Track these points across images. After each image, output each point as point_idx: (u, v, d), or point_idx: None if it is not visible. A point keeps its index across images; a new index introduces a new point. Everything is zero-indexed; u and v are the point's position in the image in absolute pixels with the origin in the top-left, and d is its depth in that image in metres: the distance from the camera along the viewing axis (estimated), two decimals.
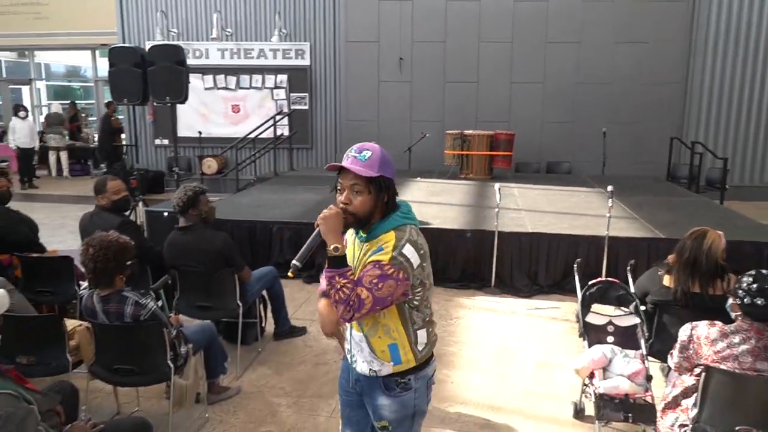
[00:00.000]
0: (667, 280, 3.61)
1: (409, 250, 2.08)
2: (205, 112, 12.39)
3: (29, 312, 3.85)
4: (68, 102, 16.22)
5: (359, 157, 2.15)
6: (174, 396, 3.29)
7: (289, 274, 2.19)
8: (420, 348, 2.20)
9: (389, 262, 2.04)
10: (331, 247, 2.10)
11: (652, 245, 5.82)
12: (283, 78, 12.12)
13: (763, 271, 2.80)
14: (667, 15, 10.68)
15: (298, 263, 2.16)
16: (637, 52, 10.79)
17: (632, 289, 3.86)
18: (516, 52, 11.05)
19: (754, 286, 2.74)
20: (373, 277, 2.03)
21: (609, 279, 3.85)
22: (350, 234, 2.30)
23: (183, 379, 3.35)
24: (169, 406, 3.33)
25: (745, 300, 2.76)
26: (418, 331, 2.19)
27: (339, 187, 2.19)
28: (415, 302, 2.16)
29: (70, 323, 3.54)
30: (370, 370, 2.22)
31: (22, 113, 12.60)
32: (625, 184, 8.80)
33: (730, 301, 2.95)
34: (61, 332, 3.31)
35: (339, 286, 2.04)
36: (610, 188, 5.50)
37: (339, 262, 2.09)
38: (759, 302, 2.73)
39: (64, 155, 14.04)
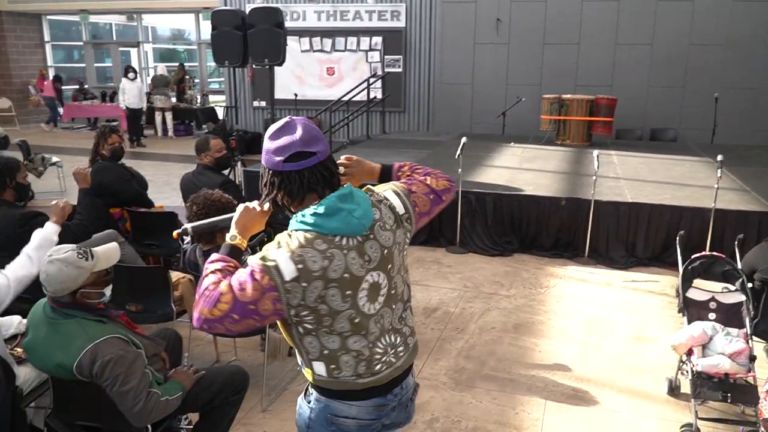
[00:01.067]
0: None
1: (282, 256, 1.61)
2: (301, 75, 12.61)
3: (138, 263, 4.13)
4: (176, 64, 16.96)
5: None
6: (269, 348, 3.45)
7: (174, 234, 2.04)
8: (318, 376, 1.76)
9: (260, 263, 1.61)
10: (230, 234, 1.82)
11: (764, 219, 5.44)
12: (377, 40, 12.09)
13: None
14: None
15: (190, 230, 2.07)
16: (756, 9, 9.90)
17: (739, 265, 3.63)
18: (623, 11, 10.42)
19: None
20: (241, 275, 1.62)
21: (714, 253, 3.64)
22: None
23: (277, 333, 3.50)
24: (264, 358, 3.49)
25: None
26: (313, 362, 1.75)
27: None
28: (307, 326, 1.69)
29: (174, 275, 3.76)
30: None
31: (131, 75, 13.30)
32: (737, 154, 8.22)
33: None
34: (166, 283, 3.53)
35: (210, 271, 1.69)
36: (719, 157, 5.16)
37: (232, 251, 1.79)
38: None
39: (169, 116, 14.76)
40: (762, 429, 2.93)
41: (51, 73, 17.23)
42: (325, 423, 1.81)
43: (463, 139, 6.16)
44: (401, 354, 1.85)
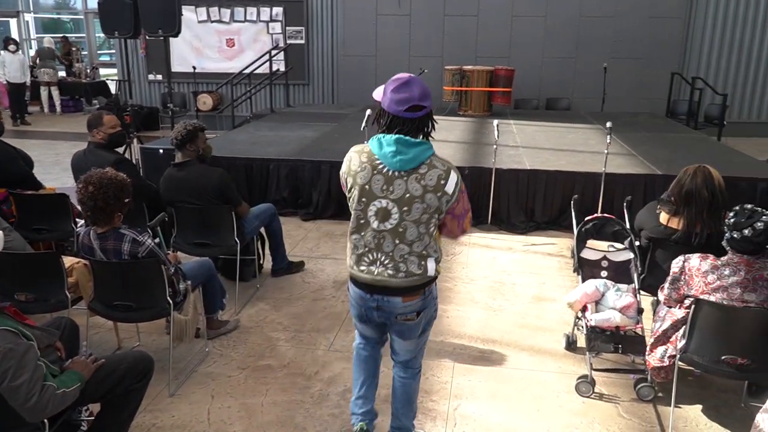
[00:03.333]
0: (664, 219, 3.60)
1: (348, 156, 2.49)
2: (199, 46, 12.12)
3: (27, 250, 3.87)
4: (60, 36, 15.81)
5: None
6: (174, 331, 3.35)
7: None
8: (348, 255, 2.56)
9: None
10: None
11: (649, 182, 5.82)
12: (278, 11, 11.79)
13: (747, 206, 2.82)
14: None
15: None
16: None
17: (628, 225, 3.88)
18: None
19: (733, 220, 2.80)
20: None
21: (605, 215, 3.87)
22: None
23: (182, 315, 3.41)
24: (169, 341, 3.40)
25: (733, 234, 2.80)
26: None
27: None
28: (350, 204, 2.48)
29: (68, 260, 3.56)
30: None
31: (12, 47, 12.30)
32: (624, 121, 8.73)
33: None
34: (59, 269, 3.33)
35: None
36: (608, 125, 5.44)
37: None
38: (736, 235, 2.77)
39: (55, 91, 13.80)
40: (650, 377, 3.18)
41: None
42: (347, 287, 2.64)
43: (368, 112, 6.15)
44: (380, 272, 2.42)
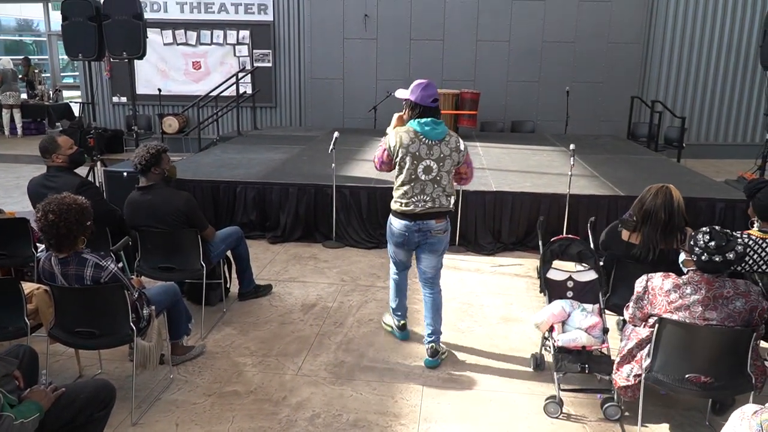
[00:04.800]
0: (625, 236, 3.70)
1: (390, 136, 3.71)
2: (165, 69, 12.04)
3: None
4: (20, 58, 15.53)
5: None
6: (137, 358, 3.27)
7: None
8: (393, 200, 3.79)
9: (383, 141, 3.76)
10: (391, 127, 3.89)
11: (612, 202, 5.94)
12: (245, 34, 11.80)
13: (717, 228, 2.89)
14: None
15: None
16: (600, 10, 10.80)
17: (592, 246, 3.95)
18: (482, 9, 10.94)
19: (712, 244, 2.83)
20: (379, 148, 3.80)
21: (570, 236, 3.93)
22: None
23: (146, 341, 3.33)
24: (132, 368, 3.31)
25: (703, 257, 2.84)
26: (395, 191, 3.77)
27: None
28: (396, 172, 3.74)
29: (28, 286, 3.47)
30: None
31: None
32: (587, 143, 8.93)
33: (683, 256, 3.04)
34: (18, 296, 3.24)
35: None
36: (572, 147, 5.57)
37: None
38: (717, 259, 2.82)
39: (18, 114, 13.52)
40: (616, 396, 3.21)
41: None
42: (388, 227, 3.89)
43: (336, 134, 6.18)
44: (422, 206, 3.68)
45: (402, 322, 4.23)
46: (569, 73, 10.95)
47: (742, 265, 3.50)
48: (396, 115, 3.82)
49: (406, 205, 3.69)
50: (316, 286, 5.13)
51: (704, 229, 2.92)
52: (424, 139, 3.61)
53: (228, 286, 4.82)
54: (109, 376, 3.59)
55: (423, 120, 3.61)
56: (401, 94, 3.76)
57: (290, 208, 6.26)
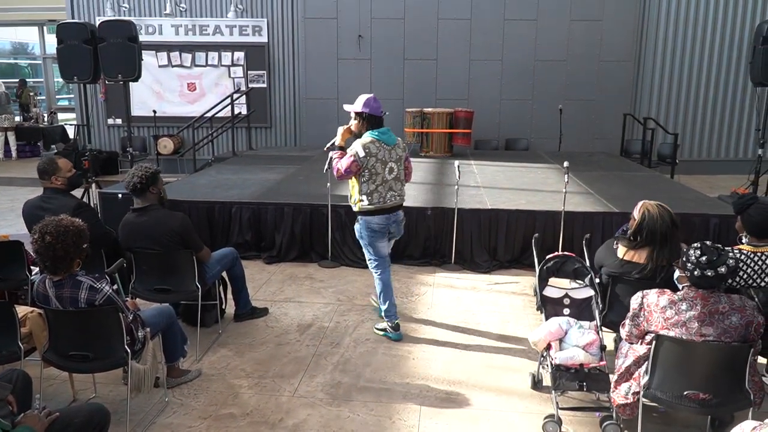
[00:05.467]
0: (622, 252, 3.71)
1: (358, 147, 4.21)
2: (160, 91, 12.09)
3: None
4: (14, 81, 15.60)
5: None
6: (132, 381, 3.24)
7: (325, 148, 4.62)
8: (362, 203, 4.30)
9: (352, 153, 4.22)
10: (341, 144, 4.45)
11: (606, 219, 5.96)
12: (240, 55, 11.88)
13: (708, 243, 2.91)
14: None
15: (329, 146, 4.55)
16: (591, 29, 10.92)
17: (587, 263, 3.95)
18: (474, 30, 11.05)
19: (703, 258, 2.84)
20: (345, 158, 4.26)
21: (565, 253, 3.93)
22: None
23: (141, 364, 3.30)
24: (127, 392, 3.28)
25: (695, 272, 2.86)
26: (363, 197, 4.29)
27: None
28: (364, 177, 4.24)
29: (22, 310, 3.44)
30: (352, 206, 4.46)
31: None
32: (581, 160, 8.98)
33: (678, 273, 3.05)
34: (11, 319, 3.21)
35: (337, 156, 4.36)
36: (566, 164, 5.59)
37: (340, 148, 4.43)
38: (709, 274, 2.83)
39: (12, 136, 13.54)
40: (615, 414, 3.19)
41: None
42: (366, 227, 4.37)
43: (331, 154, 6.18)
44: (392, 200, 4.37)
45: (396, 321, 4.52)
46: (562, 91, 11.05)
47: (737, 280, 3.51)
48: (343, 128, 4.39)
49: (379, 202, 4.30)
50: (312, 306, 5.11)
51: (696, 244, 2.93)
52: (384, 146, 4.26)
53: (224, 307, 4.80)
54: (104, 399, 3.56)
55: (380, 129, 4.28)
56: (351, 107, 4.36)
57: (286, 228, 6.26)
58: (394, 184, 4.35)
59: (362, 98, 4.32)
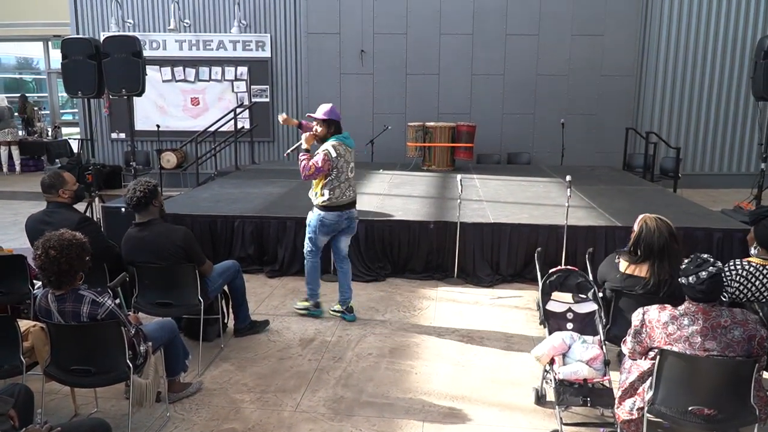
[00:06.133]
0: (624, 267, 3.70)
1: (330, 147, 4.74)
2: (163, 105, 12.15)
3: None
4: (17, 95, 15.69)
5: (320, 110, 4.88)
6: (134, 396, 3.23)
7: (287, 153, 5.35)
8: (324, 199, 4.80)
9: (324, 153, 4.72)
10: (307, 147, 4.83)
11: (609, 233, 5.95)
12: (243, 70, 11.95)
13: (703, 255, 2.91)
14: (620, 7, 10.88)
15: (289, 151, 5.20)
16: (592, 44, 10.98)
17: (591, 277, 3.94)
18: (476, 44, 11.12)
19: (683, 266, 2.88)
20: (318, 157, 4.75)
21: (568, 267, 3.93)
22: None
23: (143, 378, 3.29)
24: (128, 406, 3.27)
25: (683, 281, 2.88)
26: (324, 191, 4.80)
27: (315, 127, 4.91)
28: (330, 176, 4.75)
29: (24, 324, 3.44)
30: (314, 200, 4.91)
31: None
32: (583, 174, 8.98)
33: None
34: (13, 333, 3.21)
35: (304, 158, 4.75)
36: (568, 178, 5.60)
37: (306, 150, 4.80)
38: (683, 281, 2.88)
39: (16, 150, 13.60)
40: (619, 430, 3.17)
41: None
42: (318, 220, 4.86)
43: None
44: (351, 196, 4.90)
45: (318, 300, 5.19)
46: (564, 105, 11.09)
47: (745, 293, 3.49)
48: (307, 135, 4.85)
49: (339, 199, 4.79)
50: (315, 321, 5.10)
51: (692, 256, 2.95)
52: (347, 148, 4.85)
53: (226, 321, 4.79)
54: (105, 414, 3.54)
55: (344, 133, 4.87)
56: (317, 115, 4.88)
57: (288, 242, 6.26)
58: (353, 182, 4.93)
59: (326, 107, 4.88)
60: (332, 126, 4.85)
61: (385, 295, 5.73)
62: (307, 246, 5.08)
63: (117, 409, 3.66)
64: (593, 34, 10.94)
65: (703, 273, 2.81)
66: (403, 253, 6.24)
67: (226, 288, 4.68)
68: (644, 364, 3.00)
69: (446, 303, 5.55)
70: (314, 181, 4.85)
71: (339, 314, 5.12)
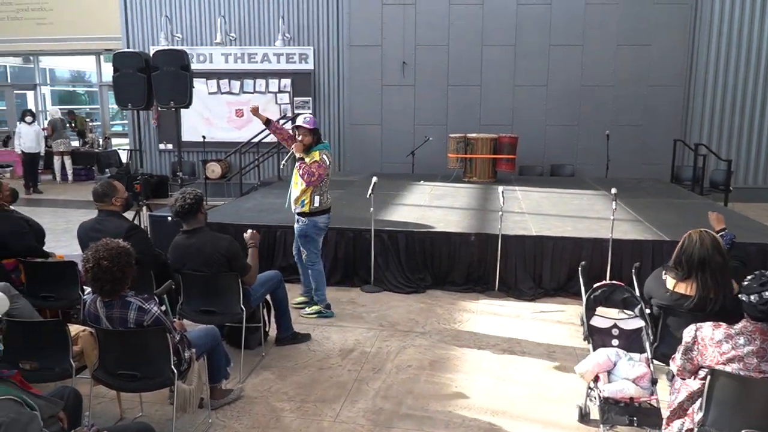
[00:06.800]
0: (671, 284, 3.59)
1: (325, 156, 5.09)
2: (209, 117, 12.42)
3: (33, 317, 3.86)
4: (74, 107, 16.27)
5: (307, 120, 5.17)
6: (177, 401, 3.28)
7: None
8: (314, 204, 5.14)
9: (319, 161, 5.06)
10: (299, 155, 5.11)
11: (657, 247, 5.80)
12: (286, 82, 12.14)
13: (767, 273, 2.79)
14: (669, 17, 10.67)
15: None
16: (639, 54, 10.78)
17: (637, 292, 3.84)
18: (519, 56, 11.04)
19: (746, 283, 2.76)
20: (313, 166, 5.04)
21: (614, 282, 3.84)
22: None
23: (186, 384, 3.35)
24: (172, 412, 3.33)
25: (744, 299, 2.77)
26: (314, 198, 5.15)
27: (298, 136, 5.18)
28: (325, 181, 5.18)
29: (74, 328, 3.54)
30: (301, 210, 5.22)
31: (28, 118, 12.65)
32: (629, 187, 8.79)
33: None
34: (64, 337, 3.31)
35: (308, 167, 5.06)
36: (613, 191, 5.49)
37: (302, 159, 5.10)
38: (744, 299, 2.76)
39: (68, 160, 14.10)
40: None
41: None
42: (313, 225, 5.21)
43: (374, 179, 6.24)
44: (331, 201, 5.34)
45: (327, 302, 5.45)
46: (609, 116, 10.90)
47: None
48: (295, 145, 5.08)
49: (327, 201, 5.25)
50: (354, 331, 5.11)
51: (756, 272, 2.82)
52: (330, 155, 5.28)
53: (267, 330, 4.84)
54: (150, 418, 3.61)
55: (325, 141, 5.29)
56: (302, 123, 5.12)
57: (329, 252, 6.29)
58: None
59: (307, 116, 5.20)
60: (316, 135, 5.17)
61: (425, 306, 5.70)
62: (309, 255, 5.31)
63: (161, 414, 3.73)
64: (640, 44, 10.74)
65: (767, 294, 2.70)
66: (444, 264, 6.21)
67: (268, 297, 4.73)
68: (693, 384, 2.90)
69: (487, 316, 5.49)
70: (300, 190, 5.14)
71: (316, 315, 5.37)
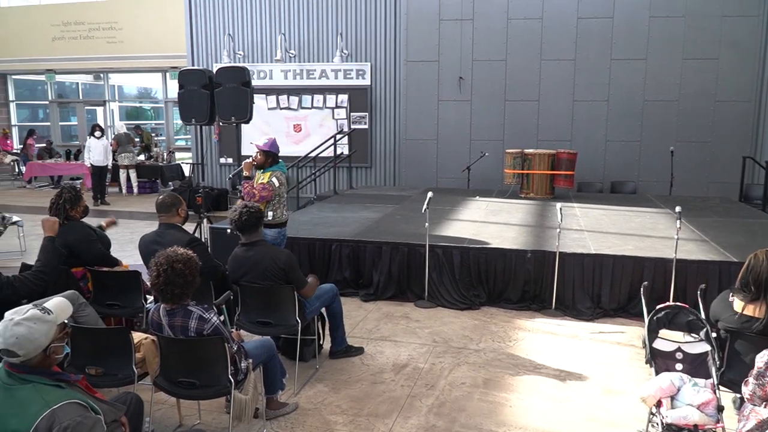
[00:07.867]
0: (739, 306, 3.44)
1: (275, 179, 5.41)
2: (268, 132, 12.67)
3: (99, 325, 4.01)
4: (140, 122, 16.95)
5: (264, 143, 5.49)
6: (234, 410, 3.34)
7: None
8: (280, 216, 5.51)
9: (268, 183, 5.39)
10: (248, 174, 5.49)
11: (724, 269, 5.56)
12: (343, 98, 12.31)
13: None
14: (738, 30, 10.30)
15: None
16: (706, 68, 10.44)
17: (703, 315, 3.69)
18: (579, 70, 10.86)
19: None
20: (262, 187, 5.37)
21: (678, 303, 3.70)
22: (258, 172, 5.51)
23: (242, 394, 3.40)
24: (228, 420, 3.39)
25: None
26: (276, 211, 5.48)
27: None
28: (278, 199, 5.46)
29: (137, 336, 3.66)
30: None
31: (97, 133, 13.23)
32: (694, 205, 8.49)
33: None
34: (128, 345, 3.42)
35: (248, 186, 5.40)
36: (678, 209, 5.31)
37: (246, 178, 5.47)
38: None
39: (133, 173, 14.67)
40: None
41: (15, 133, 17.12)
42: (282, 236, 5.62)
43: (429, 194, 6.23)
44: (287, 216, 5.68)
45: None
46: (673, 132, 10.57)
47: None
48: (246, 162, 5.51)
49: (281, 217, 5.54)
50: (408, 346, 5.09)
51: None
52: (283, 174, 5.58)
53: (321, 342, 4.88)
54: (207, 426, 3.68)
55: (281, 164, 5.58)
56: (259, 144, 5.47)
57: (383, 267, 6.31)
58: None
59: (268, 139, 5.52)
60: (270, 157, 5.46)
61: (479, 324, 5.64)
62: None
63: (218, 422, 3.80)
64: (707, 58, 10.41)
65: None
66: (499, 281, 6.13)
67: (322, 310, 4.78)
68: (764, 412, 2.77)
69: (543, 335, 5.38)
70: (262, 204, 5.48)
71: None
